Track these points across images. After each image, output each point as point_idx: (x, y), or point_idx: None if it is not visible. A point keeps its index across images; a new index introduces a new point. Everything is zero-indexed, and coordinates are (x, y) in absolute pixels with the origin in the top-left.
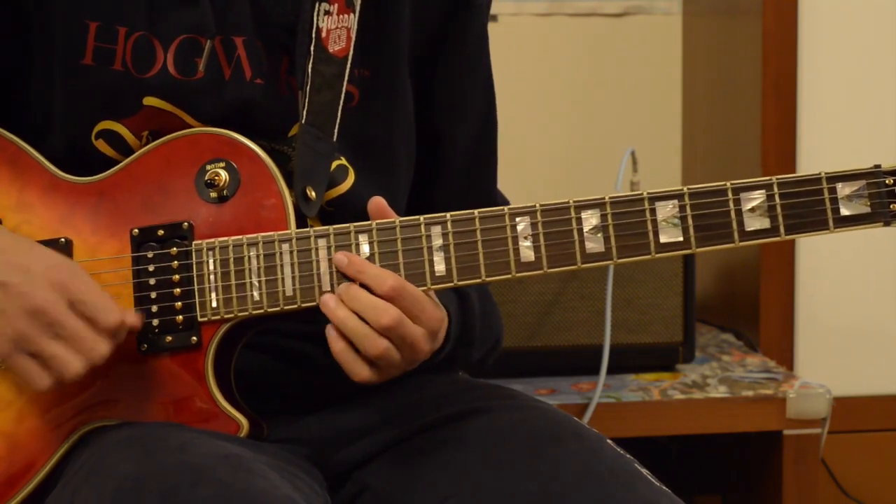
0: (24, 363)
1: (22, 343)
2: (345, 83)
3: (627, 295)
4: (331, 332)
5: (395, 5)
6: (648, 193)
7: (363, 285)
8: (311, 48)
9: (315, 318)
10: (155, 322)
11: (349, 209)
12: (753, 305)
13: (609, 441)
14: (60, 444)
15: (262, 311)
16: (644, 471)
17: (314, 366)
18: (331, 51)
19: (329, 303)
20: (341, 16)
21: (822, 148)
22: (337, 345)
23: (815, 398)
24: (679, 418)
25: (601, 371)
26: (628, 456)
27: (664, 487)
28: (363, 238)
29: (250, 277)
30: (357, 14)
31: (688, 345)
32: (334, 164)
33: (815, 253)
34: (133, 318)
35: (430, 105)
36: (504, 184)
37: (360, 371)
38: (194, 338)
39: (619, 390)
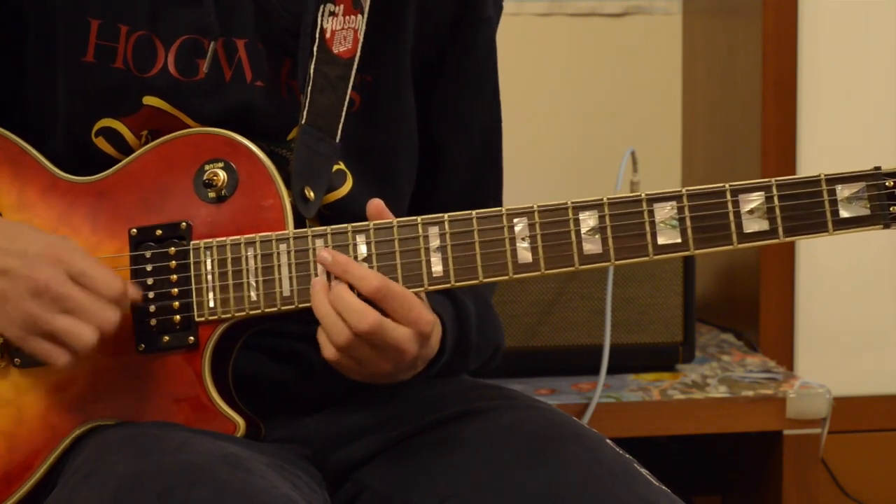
0: (38, 345)
1: (32, 324)
2: (350, 84)
3: (627, 295)
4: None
5: (400, 12)
6: (647, 195)
7: (350, 285)
8: (315, 49)
9: (313, 319)
10: (152, 322)
11: (347, 214)
12: (753, 305)
13: (609, 441)
14: (59, 444)
15: (259, 311)
16: (644, 471)
17: (312, 366)
18: (335, 52)
19: (315, 286)
20: (348, 17)
21: (822, 148)
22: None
23: (815, 398)
24: (679, 418)
25: (601, 371)
26: (628, 456)
27: (664, 487)
28: (361, 238)
29: (248, 277)
30: (366, 16)
31: (688, 345)
32: (333, 168)
33: (815, 253)
34: (133, 290)
35: (433, 116)
36: (504, 184)
37: (329, 352)
38: (191, 338)
39: (619, 390)
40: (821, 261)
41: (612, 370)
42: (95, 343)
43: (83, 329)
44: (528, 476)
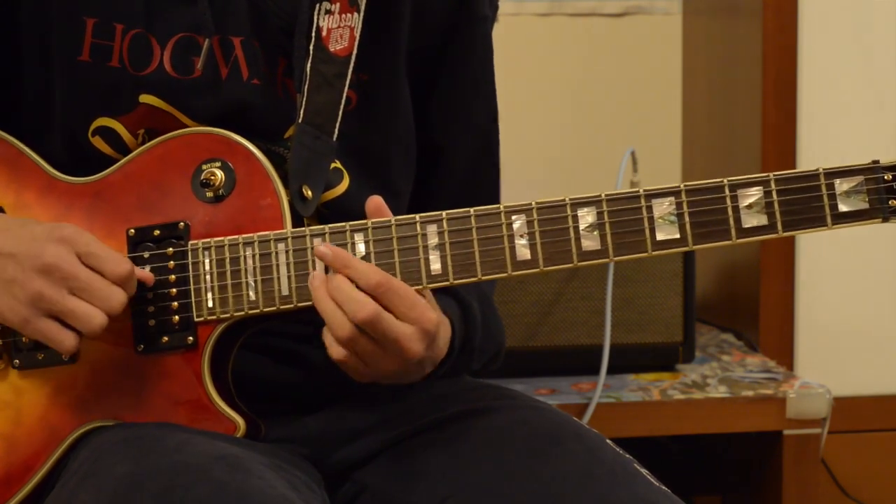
0: (45, 326)
1: (40, 303)
2: (347, 82)
3: (627, 295)
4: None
5: (396, 11)
6: (644, 191)
7: (351, 280)
8: (311, 47)
9: (312, 319)
10: (151, 322)
11: (344, 212)
12: (753, 305)
13: (609, 441)
14: (58, 445)
15: (257, 310)
16: (643, 471)
17: (312, 366)
18: (331, 50)
19: (314, 280)
20: (343, 15)
21: (822, 148)
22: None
23: (815, 398)
24: (679, 418)
25: (601, 371)
26: (628, 456)
27: (663, 487)
28: (359, 237)
29: (246, 277)
30: (362, 13)
31: (688, 345)
32: (331, 166)
33: (816, 253)
34: (141, 271)
35: (430, 116)
36: (504, 185)
37: (335, 351)
38: (190, 338)
39: (619, 390)
40: (821, 261)
41: (612, 370)
42: (104, 326)
43: (92, 311)
44: (529, 476)
